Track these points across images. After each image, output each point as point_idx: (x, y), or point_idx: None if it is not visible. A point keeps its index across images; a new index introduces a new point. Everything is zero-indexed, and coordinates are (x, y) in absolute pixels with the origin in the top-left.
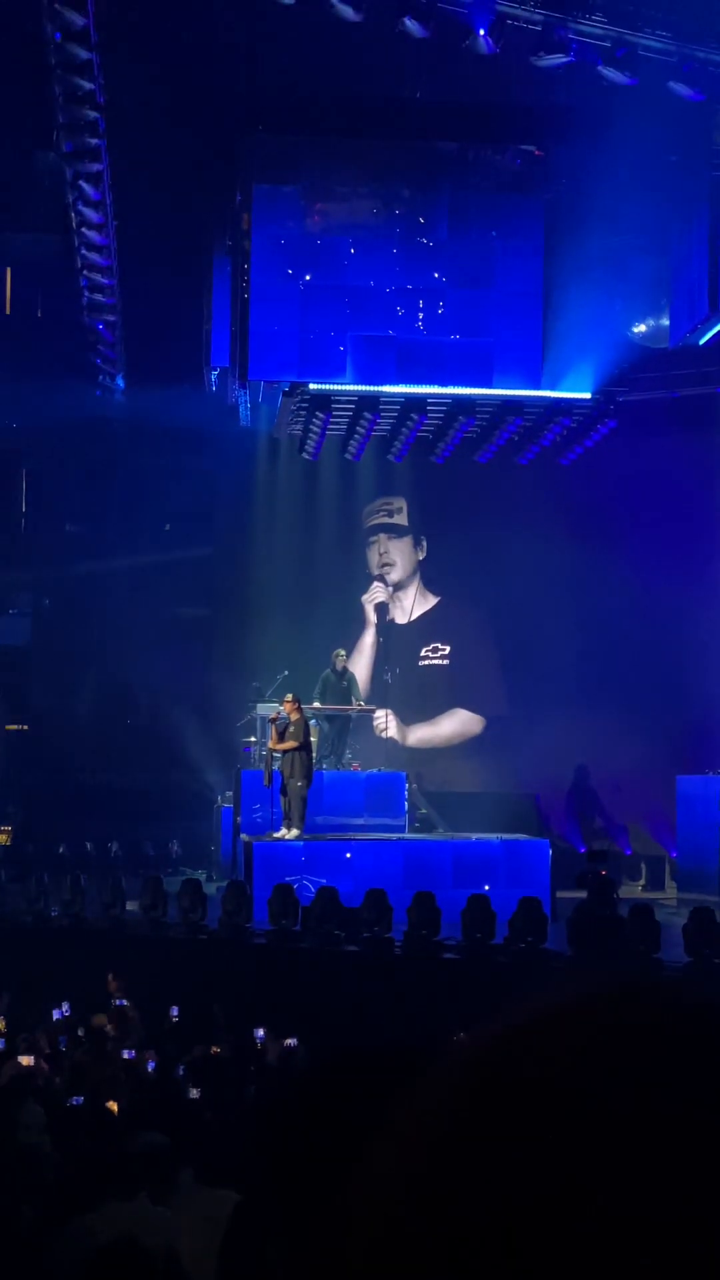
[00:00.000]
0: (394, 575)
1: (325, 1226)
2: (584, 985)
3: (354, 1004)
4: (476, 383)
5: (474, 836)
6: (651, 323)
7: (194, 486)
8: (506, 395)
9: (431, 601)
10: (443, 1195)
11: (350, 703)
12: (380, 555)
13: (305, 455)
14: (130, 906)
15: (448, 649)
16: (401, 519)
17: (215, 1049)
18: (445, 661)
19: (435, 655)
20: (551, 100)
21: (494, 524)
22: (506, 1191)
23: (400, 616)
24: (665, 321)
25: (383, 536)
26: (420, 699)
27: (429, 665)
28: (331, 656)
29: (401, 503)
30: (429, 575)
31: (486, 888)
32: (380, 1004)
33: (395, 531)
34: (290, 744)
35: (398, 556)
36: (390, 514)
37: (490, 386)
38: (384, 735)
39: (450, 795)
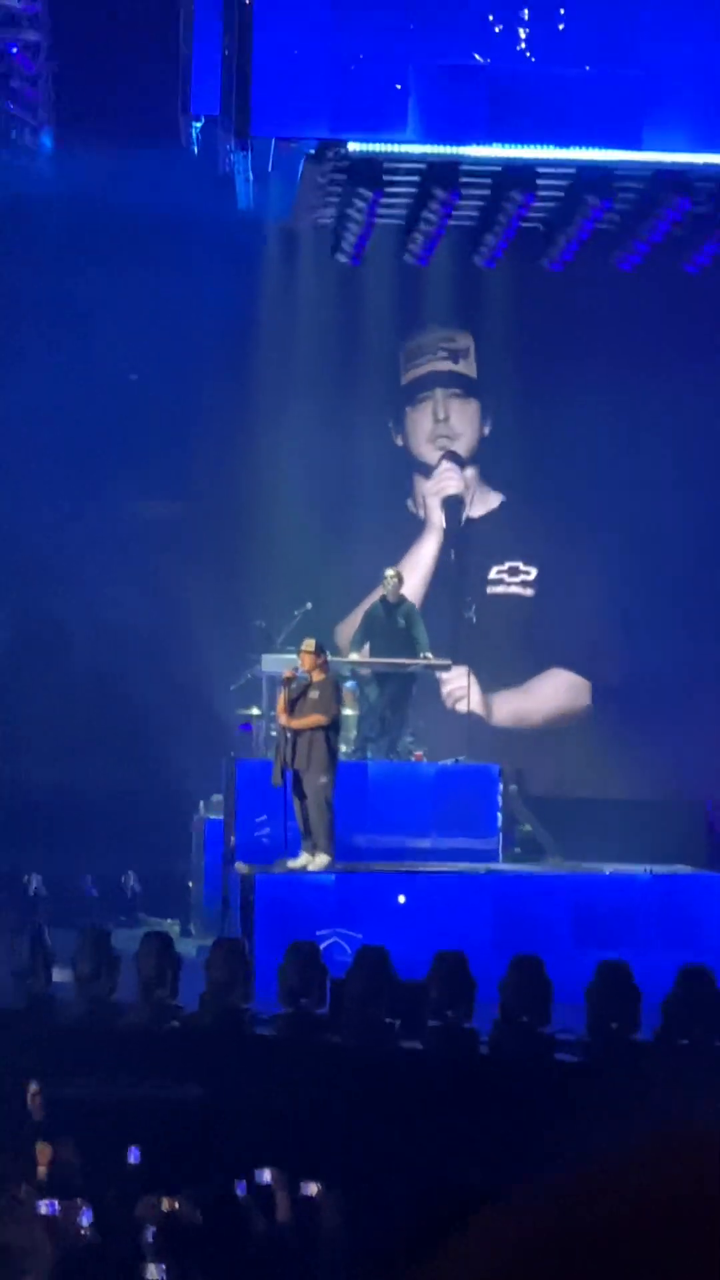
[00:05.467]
0: (460, 450)
1: None
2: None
3: (413, 1132)
4: (616, 143)
5: (607, 869)
6: None
7: (166, 307)
8: (665, 163)
9: (493, 502)
10: None
11: (412, 653)
12: (437, 420)
13: (341, 258)
14: (59, 976)
15: (533, 573)
16: (468, 367)
17: (174, 1203)
18: (529, 591)
19: (514, 579)
20: None
21: (592, 380)
22: None
23: None
24: None
25: (439, 392)
26: (498, 649)
27: (505, 594)
28: (383, 579)
29: (468, 340)
30: (487, 462)
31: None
32: (456, 1133)
33: (462, 386)
34: (313, 719)
35: (464, 424)
36: (454, 358)
37: (639, 149)
38: (458, 708)
39: (568, 803)
